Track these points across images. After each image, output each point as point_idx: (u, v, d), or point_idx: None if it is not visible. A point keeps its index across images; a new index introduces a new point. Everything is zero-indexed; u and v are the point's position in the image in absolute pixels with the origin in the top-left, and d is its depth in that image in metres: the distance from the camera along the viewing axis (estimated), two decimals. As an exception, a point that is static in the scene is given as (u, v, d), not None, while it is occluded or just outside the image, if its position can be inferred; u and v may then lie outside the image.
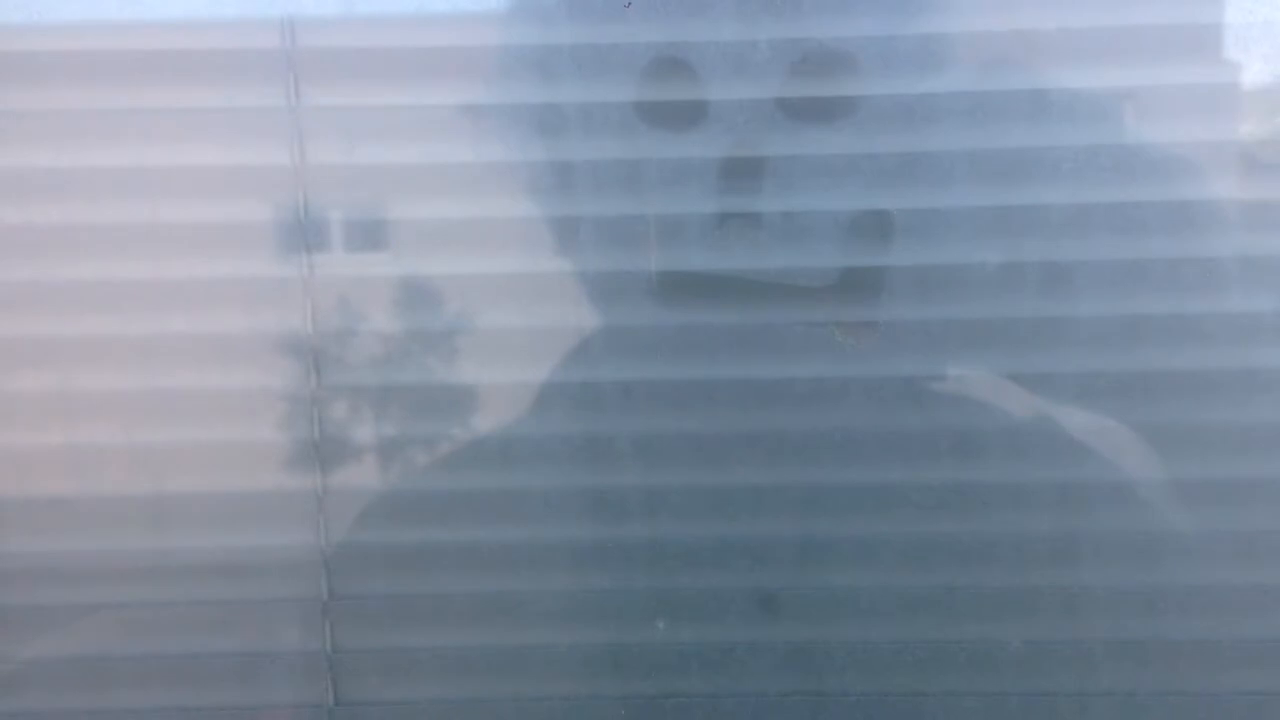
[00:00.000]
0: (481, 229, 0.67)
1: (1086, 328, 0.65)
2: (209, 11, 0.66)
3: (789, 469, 0.67)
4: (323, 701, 0.69)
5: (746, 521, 0.67)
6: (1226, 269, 0.65)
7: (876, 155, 0.65)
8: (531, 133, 0.66)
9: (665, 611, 0.68)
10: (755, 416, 0.66)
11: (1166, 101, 0.65)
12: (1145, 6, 0.64)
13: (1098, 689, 0.67)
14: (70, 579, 0.69)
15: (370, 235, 0.68)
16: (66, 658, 0.69)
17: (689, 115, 0.65)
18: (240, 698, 0.69)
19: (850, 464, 0.66)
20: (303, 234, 0.67)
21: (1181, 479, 0.66)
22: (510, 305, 0.67)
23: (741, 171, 0.65)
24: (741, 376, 0.66)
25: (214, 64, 0.66)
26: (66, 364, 0.68)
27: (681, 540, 0.67)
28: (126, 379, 0.68)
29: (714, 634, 0.68)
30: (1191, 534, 0.66)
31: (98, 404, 0.68)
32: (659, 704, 0.68)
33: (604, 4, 0.65)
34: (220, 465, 0.68)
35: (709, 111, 0.65)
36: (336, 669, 0.69)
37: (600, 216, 0.66)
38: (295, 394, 0.68)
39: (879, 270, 0.65)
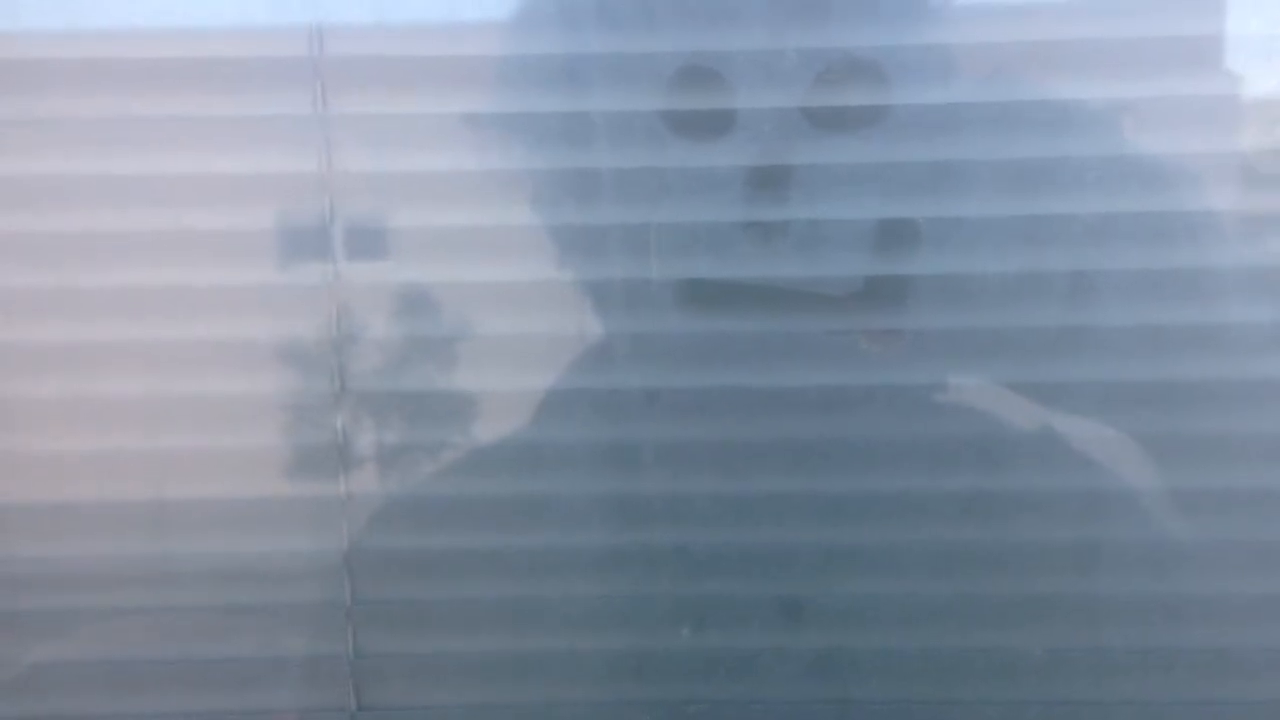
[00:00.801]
0: (503, 236, 0.67)
1: (1115, 337, 0.65)
2: (238, 19, 0.66)
3: (814, 476, 0.67)
4: (345, 706, 0.69)
5: (772, 528, 0.67)
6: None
7: (902, 164, 0.65)
8: (557, 141, 0.66)
9: (689, 618, 0.68)
10: (780, 424, 0.67)
11: (1194, 112, 0.65)
12: (1173, 17, 0.65)
13: (1118, 697, 0.67)
14: (93, 584, 0.69)
15: (396, 242, 0.69)
16: (90, 661, 0.70)
17: (716, 124, 0.65)
18: (262, 702, 0.69)
19: (876, 472, 0.66)
20: (329, 241, 0.67)
21: (1202, 489, 0.66)
22: (535, 312, 0.67)
23: (768, 180, 0.65)
24: (767, 384, 0.66)
25: (242, 72, 0.66)
26: (92, 370, 0.68)
27: (707, 547, 0.67)
28: (154, 385, 0.68)
29: (739, 640, 0.68)
30: (1212, 543, 0.66)
31: (121, 410, 0.68)
32: (683, 710, 0.68)
33: (632, 13, 0.65)
34: (245, 470, 0.68)
35: (736, 120, 0.65)
36: (359, 674, 0.69)
37: (627, 224, 0.66)
38: (320, 399, 0.68)
39: (905, 278, 0.65)
